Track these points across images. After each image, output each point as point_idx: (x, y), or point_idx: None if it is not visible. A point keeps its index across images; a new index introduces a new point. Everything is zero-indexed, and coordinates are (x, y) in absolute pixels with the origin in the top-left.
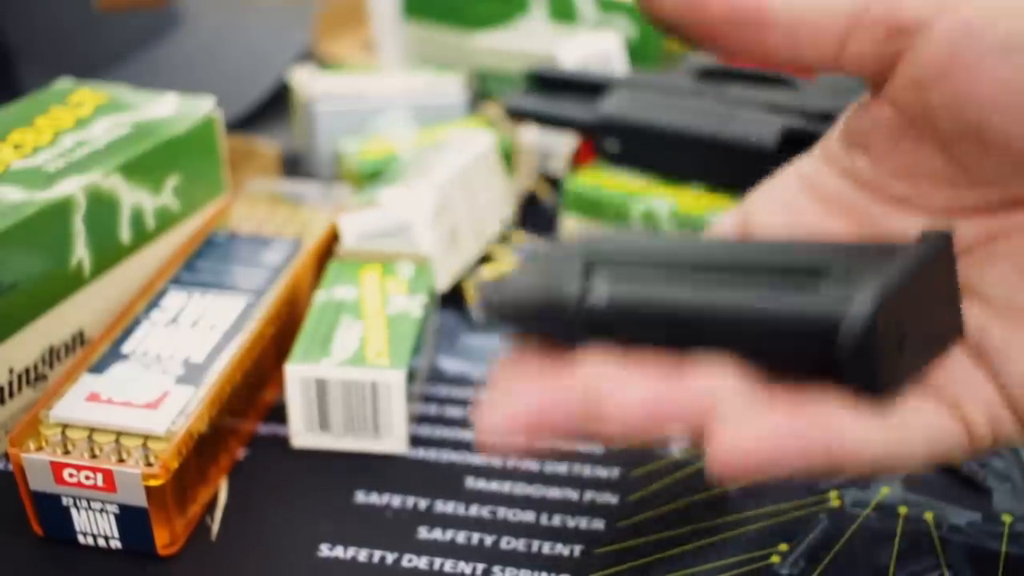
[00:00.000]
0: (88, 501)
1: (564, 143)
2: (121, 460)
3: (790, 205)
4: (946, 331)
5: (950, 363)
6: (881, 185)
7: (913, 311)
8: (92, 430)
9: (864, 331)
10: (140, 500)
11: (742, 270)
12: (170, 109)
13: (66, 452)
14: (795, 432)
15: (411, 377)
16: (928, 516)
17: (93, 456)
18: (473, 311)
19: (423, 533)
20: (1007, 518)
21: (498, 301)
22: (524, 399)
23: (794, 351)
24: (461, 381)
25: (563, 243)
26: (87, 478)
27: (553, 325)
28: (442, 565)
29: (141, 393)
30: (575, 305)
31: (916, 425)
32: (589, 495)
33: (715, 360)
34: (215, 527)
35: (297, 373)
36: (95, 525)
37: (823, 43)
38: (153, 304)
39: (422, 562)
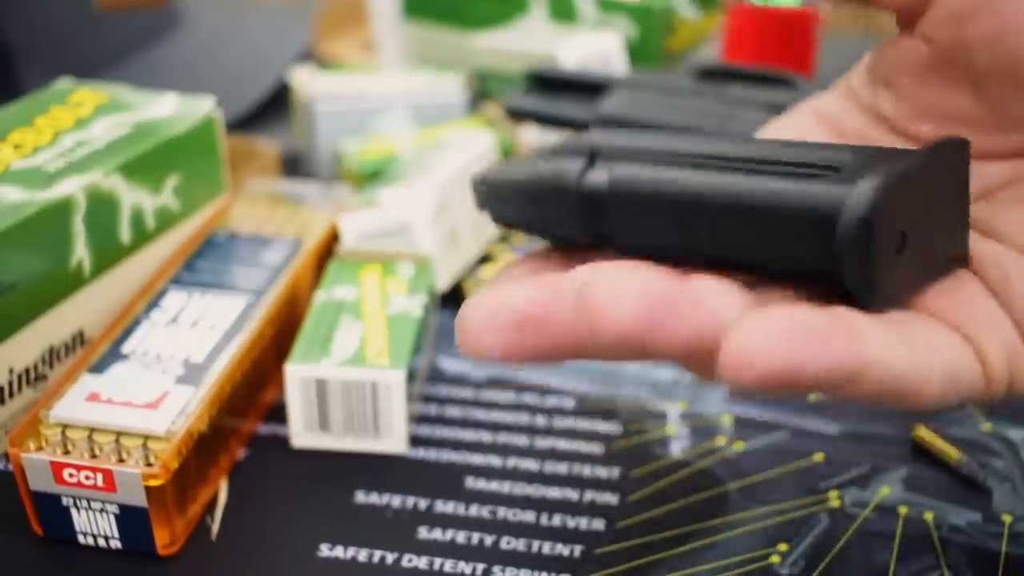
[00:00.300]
0: (88, 501)
1: None
2: (121, 460)
3: (807, 138)
4: (952, 249)
5: (972, 300)
6: (904, 123)
7: (918, 211)
8: (92, 430)
9: (862, 223)
10: (140, 500)
11: (751, 161)
12: (170, 109)
13: (66, 452)
14: (819, 329)
15: (411, 377)
16: (928, 516)
17: (93, 456)
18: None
19: (423, 533)
20: (1007, 518)
21: (493, 180)
22: (512, 294)
23: (791, 242)
24: (461, 381)
25: (567, 139)
26: (87, 478)
27: (550, 208)
28: (442, 565)
29: (141, 393)
30: (574, 184)
31: (936, 352)
32: (589, 495)
33: (716, 280)
34: (215, 527)
35: (297, 373)
36: (95, 525)
37: None
38: (153, 304)
39: (422, 562)
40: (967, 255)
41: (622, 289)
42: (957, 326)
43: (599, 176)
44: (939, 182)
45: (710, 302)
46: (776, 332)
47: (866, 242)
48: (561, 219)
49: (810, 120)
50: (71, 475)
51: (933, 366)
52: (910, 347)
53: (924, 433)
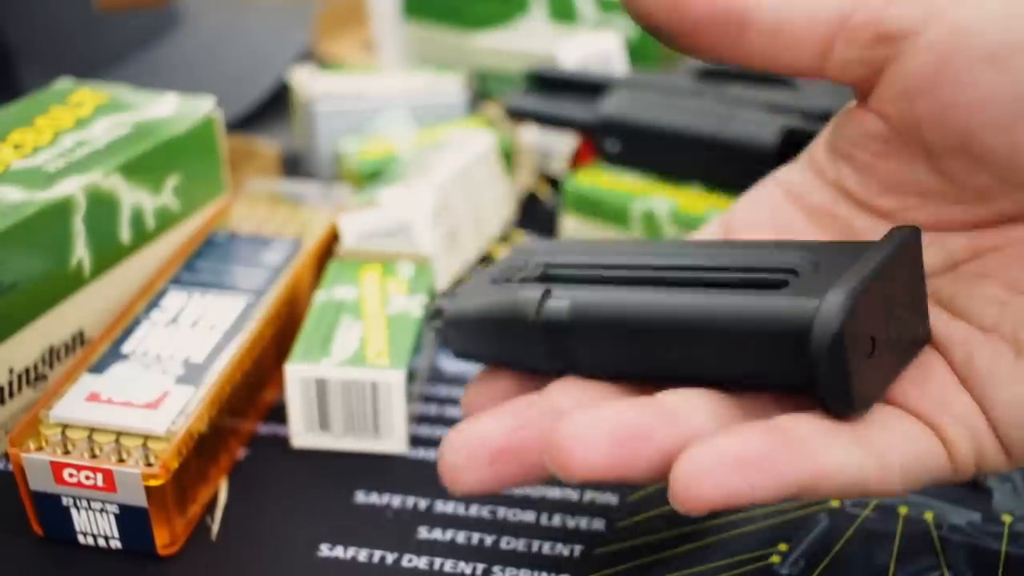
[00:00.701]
0: (88, 501)
1: (564, 143)
2: (121, 460)
3: (774, 217)
4: (915, 333)
5: (936, 387)
6: (867, 197)
7: (883, 313)
8: (92, 430)
9: (836, 339)
10: (140, 500)
11: (707, 272)
12: (170, 109)
13: (66, 452)
14: (767, 457)
15: (411, 377)
16: (928, 516)
17: (93, 456)
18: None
19: (423, 533)
20: (1007, 518)
21: (450, 316)
22: (484, 428)
23: (762, 361)
24: (461, 381)
25: (516, 254)
26: (87, 478)
27: (511, 341)
28: (442, 565)
29: (141, 393)
30: (533, 316)
31: (895, 448)
32: (589, 495)
33: (685, 391)
34: (215, 527)
35: (297, 373)
36: (95, 525)
37: (806, 48)
38: (153, 304)
39: (422, 562)
40: (929, 334)
41: (591, 430)
42: (921, 414)
43: (558, 306)
44: (896, 275)
45: (680, 426)
46: (721, 462)
47: (840, 359)
48: (523, 351)
49: (777, 196)
50: (71, 475)
51: (892, 461)
52: (866, 447)
53: None
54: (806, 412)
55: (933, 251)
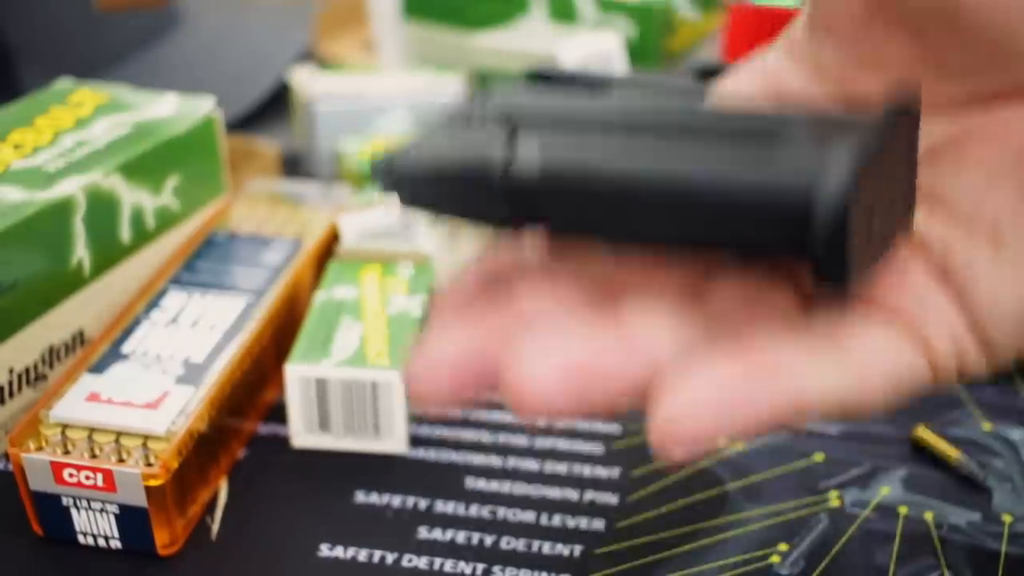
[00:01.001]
0: (88, 501)
1: None
2: (121, 460)
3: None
4: (904, 213)
5: (913, 284)
6: (848, 76)
7: (879, 186)
8: (92, 430)
9: (839, 205)
10: (140, 500)
11: (692, 132)
12: (170, 109)
13: (66, 452)
14: (746, 387)
15: None
16: (928, 516)
17: (93, 456)
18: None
19: (423, 533)
20: (1007, 518)
21: (400, 172)
22: (445, 348)
23: (755, 229)
24: None
25: (477, 99)
26: (87, 478)
27: (469, 201)
28: (442, 565)
29: (141, 393)
30: (500, 174)
31: (876, 361)
32: (589, 495)
33: (649, 309)
34: (215, 527)
35: (297, 373)
36: (95, 525)
37: None
38: (153, 304)
39: (422, 562)
40: (912, 220)
41: (544, 369)
42: (900, 315)
43: (528, 162)
44: (893, 148)
45: (642, 355)
46: (702, 400)
47: (843, 229)
48: (483, 208)
49: (753, 83)
50: (71, 475)
51: (875, 376)
52: (846, 365)
53: (924, 433)
54: (780, 332)
55: None
